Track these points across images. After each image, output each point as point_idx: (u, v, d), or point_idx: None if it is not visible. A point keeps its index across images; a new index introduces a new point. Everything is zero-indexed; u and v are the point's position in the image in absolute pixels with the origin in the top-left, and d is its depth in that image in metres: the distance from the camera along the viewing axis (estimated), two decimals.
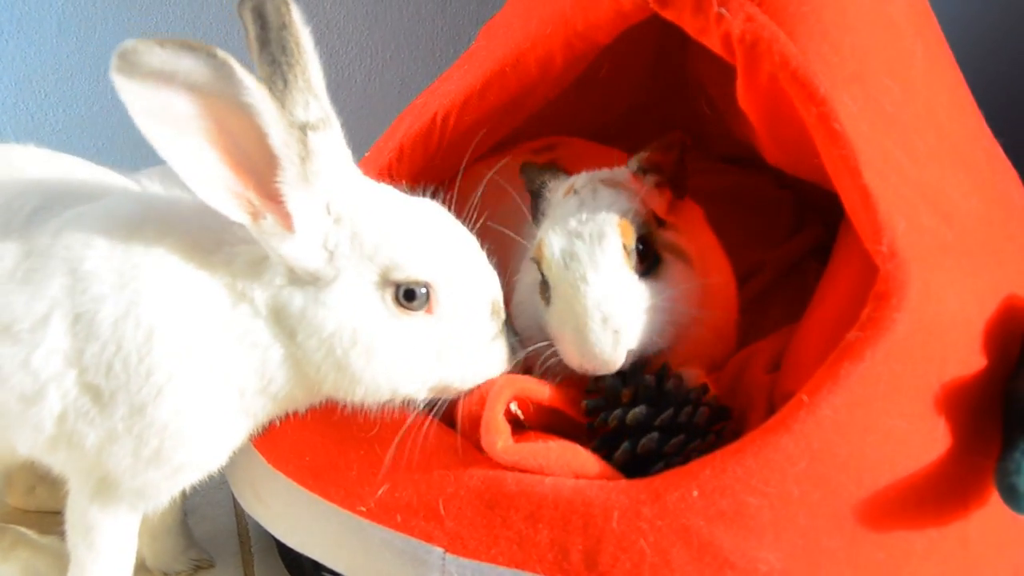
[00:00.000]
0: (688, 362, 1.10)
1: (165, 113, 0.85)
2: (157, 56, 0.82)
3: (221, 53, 0.83)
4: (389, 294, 0.94)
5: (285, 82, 0.95)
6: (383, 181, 1.04)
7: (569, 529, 0.87)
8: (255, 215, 0.91)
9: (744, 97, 1.05)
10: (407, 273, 0.94)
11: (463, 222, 1.05)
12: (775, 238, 1.53)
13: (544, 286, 1.08)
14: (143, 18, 1.87)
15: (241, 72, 0.84)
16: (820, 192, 1.11)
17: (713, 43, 1.02)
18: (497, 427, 0.95)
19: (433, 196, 1.06)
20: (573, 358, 1.02)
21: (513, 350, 1.04)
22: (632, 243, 1.05)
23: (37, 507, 1.30)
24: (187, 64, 0.83)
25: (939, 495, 0.88)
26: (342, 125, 0.98)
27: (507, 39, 1.21)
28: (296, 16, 0.98)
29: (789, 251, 1.49)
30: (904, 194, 0.94)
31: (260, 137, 0.87)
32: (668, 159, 1.14)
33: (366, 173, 1.02)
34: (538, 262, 1.08)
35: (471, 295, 0.99)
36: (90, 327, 0.92)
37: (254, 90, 0.85)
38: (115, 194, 1.03)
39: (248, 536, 1.28)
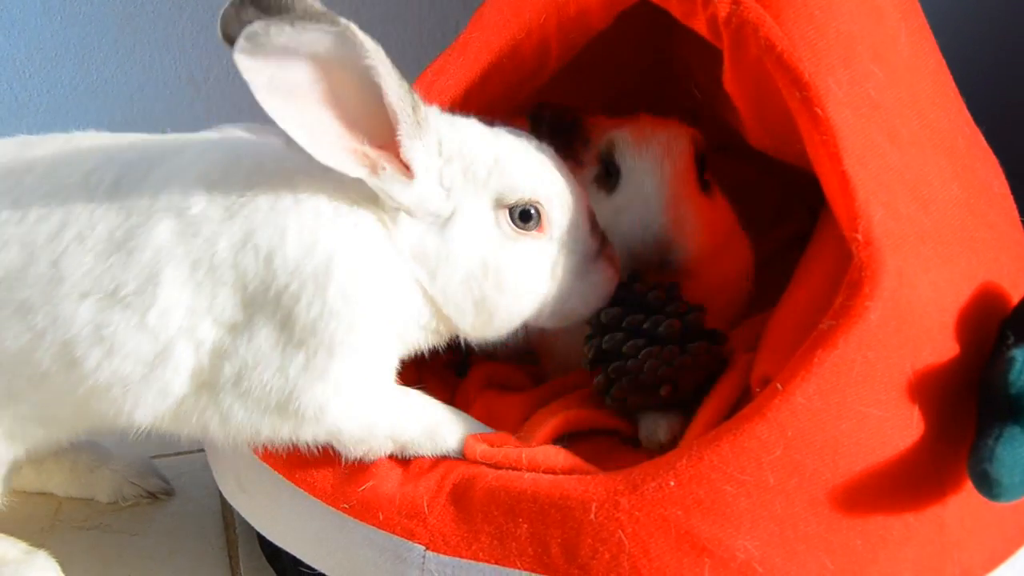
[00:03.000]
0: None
1: (286, 84, 0.88)
2: (287, 34, 0.84)
3: (342, 20, 0.85)
4: (504, 217, 1.00)
5: None
6: None
7: (548, 522, 0.87)
8: (373, 168, 0.93)
9: (730, 80, 1.06)
10: (520, 194, 1.00)
11: None
12: (759, 226, 1.53)
13: (607, 177, 1.17)
14: None
15: (362, 36, 0.86)
16: (806, 178, 1.11)
17: (699, 26, 1.03)
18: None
19: None
20: (629, 240, 1.11)
21: (613, 260, 1.08)
22: (698, 158, 1.15)
23: (20, 487, 1.30)
24: (311, 35, 0.85)
25: (915, 481, 0.89)
26: None
27: (501, 28, 1.21)
28: None
29: (773, 239, 1.49)
30: (884, 181, 0.94)
31: (376, 95, 0.91)
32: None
33: None
34: (609, 152, 1.16)
35: (575, 210, 1.04)
36: (237, 267, 0.93)
37: (374, 52, 0.88)
38: (208, 143, 1.03)
39: (233, 518, 1.28)
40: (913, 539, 0.89)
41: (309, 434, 0.97)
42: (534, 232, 1.01)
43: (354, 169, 0.92)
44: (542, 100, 1.36)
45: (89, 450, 1.31)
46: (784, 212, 1.55)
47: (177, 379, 0.95)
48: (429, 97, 1.25)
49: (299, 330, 0.92)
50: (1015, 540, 0.97)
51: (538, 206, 1.01)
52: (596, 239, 1.07)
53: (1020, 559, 0.97)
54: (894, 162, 0.97)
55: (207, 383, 0.95)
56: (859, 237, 0.89)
